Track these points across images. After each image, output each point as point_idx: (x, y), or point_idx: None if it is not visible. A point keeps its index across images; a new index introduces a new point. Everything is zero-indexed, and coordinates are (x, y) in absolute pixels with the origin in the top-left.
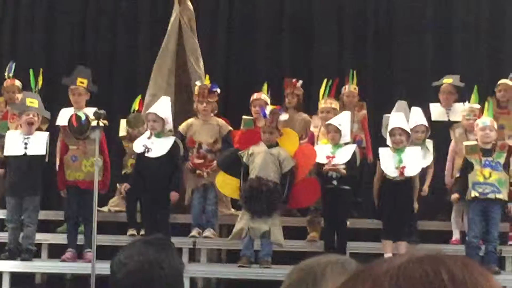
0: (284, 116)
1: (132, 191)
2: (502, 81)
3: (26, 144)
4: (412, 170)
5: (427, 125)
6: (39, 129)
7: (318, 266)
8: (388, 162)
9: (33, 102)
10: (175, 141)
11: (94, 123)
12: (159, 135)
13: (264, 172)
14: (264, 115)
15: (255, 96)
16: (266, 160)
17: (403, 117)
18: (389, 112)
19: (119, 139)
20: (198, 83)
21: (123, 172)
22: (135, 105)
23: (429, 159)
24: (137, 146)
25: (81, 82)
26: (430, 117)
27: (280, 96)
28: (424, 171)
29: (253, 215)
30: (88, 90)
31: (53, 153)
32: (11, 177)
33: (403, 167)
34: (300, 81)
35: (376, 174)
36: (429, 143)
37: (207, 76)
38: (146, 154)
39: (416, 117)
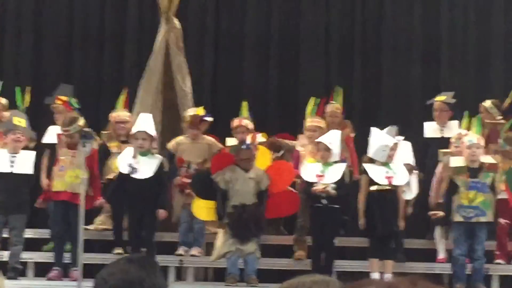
0: (260, 138)
1: (117, 210)
2: None
3: (12, 162)
4: (399, 180)
5: (413, 163)
6: (26, 148)
7: (303, 286)
8: (376, 172)
9: (21, 121)
10: (161, 162)
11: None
12: (145, 153)
13: (246, 198)
14: (247, 146)
15: (236, 122)
16: (247, 186)
17: (384, 134)
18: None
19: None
20: (190, 111)
21: (110, 176)
22: (120, 104)
23: (410, 196)
24: (122, 166)
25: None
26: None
27: (263, 113)
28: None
29: (241, 241)
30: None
31: (35, 168)
32: None
33: (391, 177)
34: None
35: (360, 190)
36: (414, 177)
37: (202, 108)
38: (132, 175)
39: (404, 153)
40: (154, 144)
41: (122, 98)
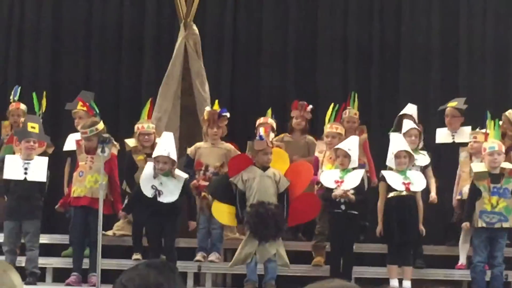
0: (272, 135)
1: (137, 216)
2: None
3: (26, 169)
4: (417, 186)
5: (419, 129)
6: (44, 153)
7: None
8: (394, 178)
9: (34, 127)
10: (184, 183)
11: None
12: (166, 174)
13: (264, 196)
14: (261, 138)
15: (261, 120)
16: (264, 184)
17: (403, 139)
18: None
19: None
20: (207, 108)
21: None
22: (144, 115)
23: (426, 160)
24: (146, 189)
25: (82, 106)
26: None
27: (284, 120)
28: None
29: (260, 240)
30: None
31: (57, 176)
32: (10, 201)
33: (409, 183)
34: (310, 106)
35: (379, 197)
36: (423, 151)
37: (216, 101)
38: (158, 199)
39: (408, 123)
40: (175, 166)
41: (146, 109)
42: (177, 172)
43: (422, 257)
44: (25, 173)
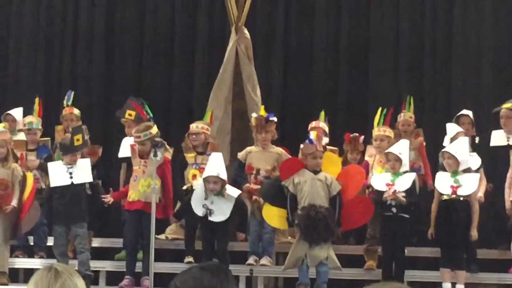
0: (325, 140)
1: (190, 220)
2: None
3: (71, 173)
4: (465, 190)
5: (470, 132)
6: (93, 152)
7: None
8: (442, 182)
9: (79, 139)
10: (237, 200)
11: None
12: (218, 193)
13: (315, 199)
14: (311, 141)
15: (313, 124)
16: (316, 187)
17: (462, 145)
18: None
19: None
20: (254, 114)
21: (185, 187)
22: (207, 118)
23: (477, 163)
24: (198, 209)
25: (129, 115)
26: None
27: (335, 124)
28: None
29: (311, 243)
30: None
31: (113, 182)
32: (57, 206)
33: (457, 186)
34: (362, 137)
35: (434, 199)
36: (475, 154)
37: (262, 107)
38: (209, 218)
39: (455, 129)
40: (227, 186)
41: (208, 114)
42: (228, 189)
43: (476, 262)
44: (71, 177)
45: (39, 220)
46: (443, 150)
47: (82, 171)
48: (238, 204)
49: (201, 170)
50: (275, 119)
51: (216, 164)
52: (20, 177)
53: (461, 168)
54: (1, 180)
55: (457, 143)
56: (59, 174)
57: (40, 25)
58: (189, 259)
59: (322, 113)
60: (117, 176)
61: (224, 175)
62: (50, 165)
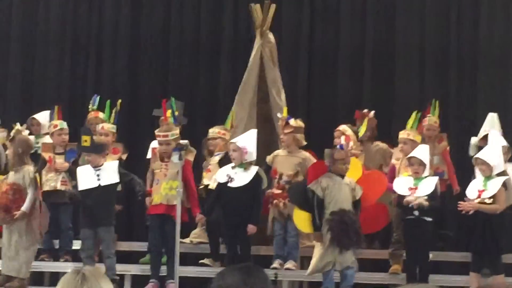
0: (351, 143)
1: (214, 224)
2: None
3: (98, 175)
4: (488, 193)
5: (507, 146)
6: (119, 159)
7: None
8: (472, 185)
9: (87, 140)
10: (257, 173)
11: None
12: (242, 165)
13: (342, 203)
14: (341, 147)
15: (340, 128)
16: (344, 191)
17: (494, 151)
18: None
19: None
20: (279, 115)
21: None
22: (228, 123)
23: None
24: (221, 176)
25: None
26: None
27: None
28: None
29: (341, 248)
30: (178, 122)
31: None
32: (85, 209)
33: (483, 190)
34: (373, 112)
35: None
36: (510, 166)
37: (285, 108)
38: (228, 184)
39: (497, 137)
40: (247, 156)
41: (230, 118)
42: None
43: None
44: (98, 179)
45: (64, 224)
46: (475, 156)
47: (109, 173)
48: (256, 185)
49: (207, 170)
50: (290, 121)
51: (242, 135)
52: (29, 180)
53: (494, 172)
54: (11, 185)
55: (488, 148)
56: (87, 177)
57: (66, 29)
58: (206, 261)
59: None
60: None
61: (241, 143)
62: (79, 169)
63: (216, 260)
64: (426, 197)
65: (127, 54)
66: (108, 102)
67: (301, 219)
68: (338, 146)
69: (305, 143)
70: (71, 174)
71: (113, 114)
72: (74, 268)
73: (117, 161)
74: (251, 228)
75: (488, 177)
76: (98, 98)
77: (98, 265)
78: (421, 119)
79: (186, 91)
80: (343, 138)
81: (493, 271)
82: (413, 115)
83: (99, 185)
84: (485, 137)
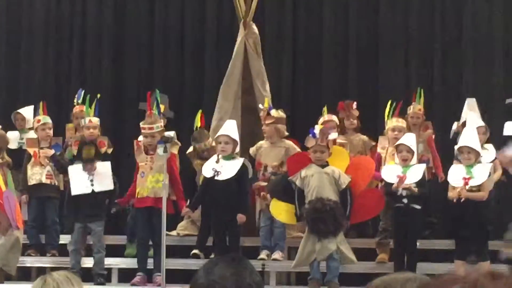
0: (333, 135)
1: (205, 218)
2: None
3: (91, 181)
4: (476, 181)
5: (485, 125)
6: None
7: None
8: (454, 174)
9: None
10: (243, 163)
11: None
12: (228, 157)
13: (322, 192)
14: (314, 135)
15: (326, 117)
16: (322, 180)
17: (474, 135)
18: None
19: (188, 160)
20: (260, 106)
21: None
22: (197, 122)
23: (492, 155)
24: (206, 171)
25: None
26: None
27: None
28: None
29: (319, 237)
30: (163, 115)
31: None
32: (76, 203)
33: (469, 178)
34: (355, 103)
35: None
36: (490, 146)
37: (266, 99)
38: (216, 178)
39: (474, 119)
40: (237, 148)
41: (198, 118)
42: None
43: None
44: (92, 185)
45: (51, 218)
46: (462, 145)
47: (102, 178)
48: (243, 169)
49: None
50: (274, 113)
51: (228, 127)
52: None
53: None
54: None
55: (468, 134)
56: (79, 181)
57: (50, 23)
58: (195, 251)
59: (325, 109)
60: (125, 172)
61: (235, 136)
62: (71, 169)
63: (202, 251)
64: (414, 184)
65: (111, 48)
66: (87, 97)
67: (280, 210)
68: (310, 134)
69: (287, 133)
70: (57, 167)
71: (92, 107)
72: (41, 276)
73: (109, 162)
74: (241, 218)
75: (470, 165)
76: (83, 92)
77: (84, 259)
78: (397, 108)
79: (171, 84)
80: (316, 126)
81: (480, 258)
82: (388, 104)
83: (93, 191)
84: (464, 123)
